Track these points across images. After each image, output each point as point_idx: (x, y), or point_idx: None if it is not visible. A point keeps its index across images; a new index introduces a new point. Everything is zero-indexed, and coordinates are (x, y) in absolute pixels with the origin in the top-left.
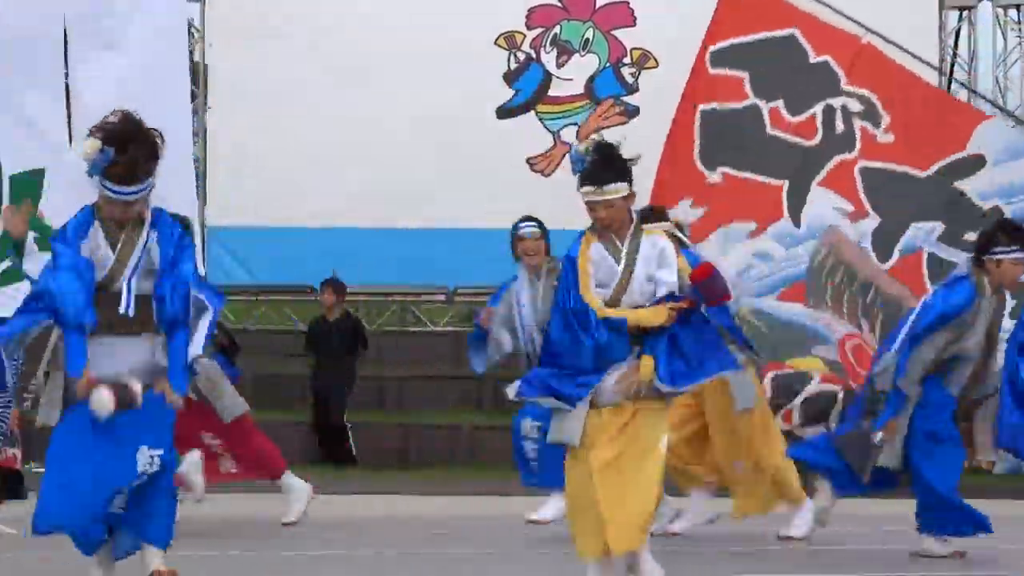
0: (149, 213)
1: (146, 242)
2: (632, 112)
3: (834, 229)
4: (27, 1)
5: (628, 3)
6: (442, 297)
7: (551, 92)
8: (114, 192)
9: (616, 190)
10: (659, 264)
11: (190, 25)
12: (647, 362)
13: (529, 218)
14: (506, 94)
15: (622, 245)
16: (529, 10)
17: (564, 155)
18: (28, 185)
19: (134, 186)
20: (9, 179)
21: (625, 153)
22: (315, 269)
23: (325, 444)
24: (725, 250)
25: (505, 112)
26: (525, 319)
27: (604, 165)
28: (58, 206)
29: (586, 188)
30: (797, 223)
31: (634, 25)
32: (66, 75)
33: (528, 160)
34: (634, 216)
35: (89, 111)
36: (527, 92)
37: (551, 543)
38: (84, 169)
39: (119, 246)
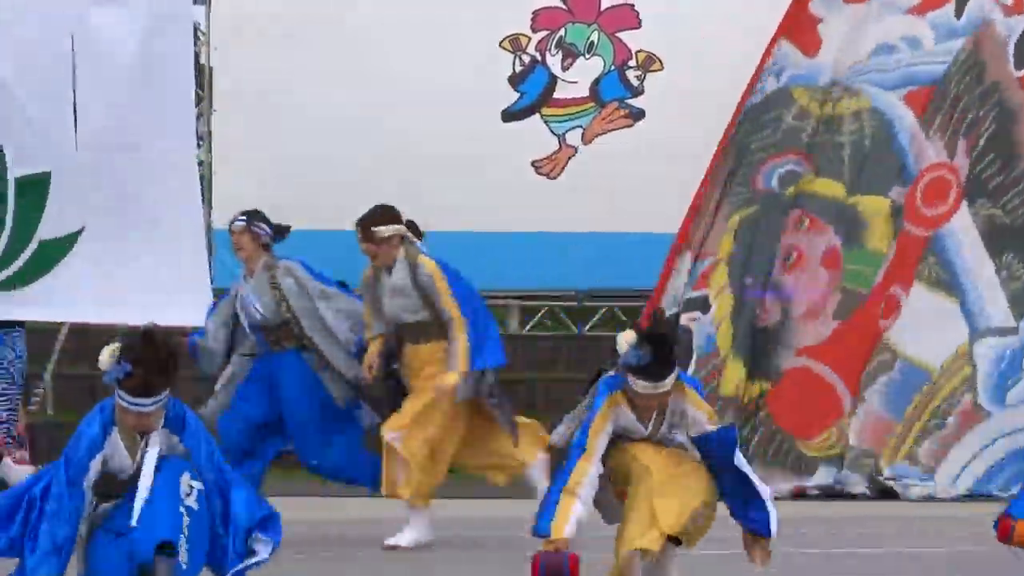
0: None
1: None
2: (637, 115)
3: (988, 24)
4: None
5: (633, 5)
6: None
7: (556, 95)
8: (128, 403)
9: (671, 380)
10: (688, 425)
11: (196, 28)
12: None
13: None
14: (511, 97)
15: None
16: (534, 13)
17: (569, 158)
18: (34, 186)
19: (149, 398)
20: (15, 181)
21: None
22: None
23: None
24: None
25: (510, 115)
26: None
27: (663, 362)
28: (62, 210)
29: (643, 383)
30: (959, 13)
31: (639, 27)
32: (73, 81)
33: (533, 163)
34: None
35: (91, 116)
36: (532, 95)
37: None
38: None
39: (138, 455)
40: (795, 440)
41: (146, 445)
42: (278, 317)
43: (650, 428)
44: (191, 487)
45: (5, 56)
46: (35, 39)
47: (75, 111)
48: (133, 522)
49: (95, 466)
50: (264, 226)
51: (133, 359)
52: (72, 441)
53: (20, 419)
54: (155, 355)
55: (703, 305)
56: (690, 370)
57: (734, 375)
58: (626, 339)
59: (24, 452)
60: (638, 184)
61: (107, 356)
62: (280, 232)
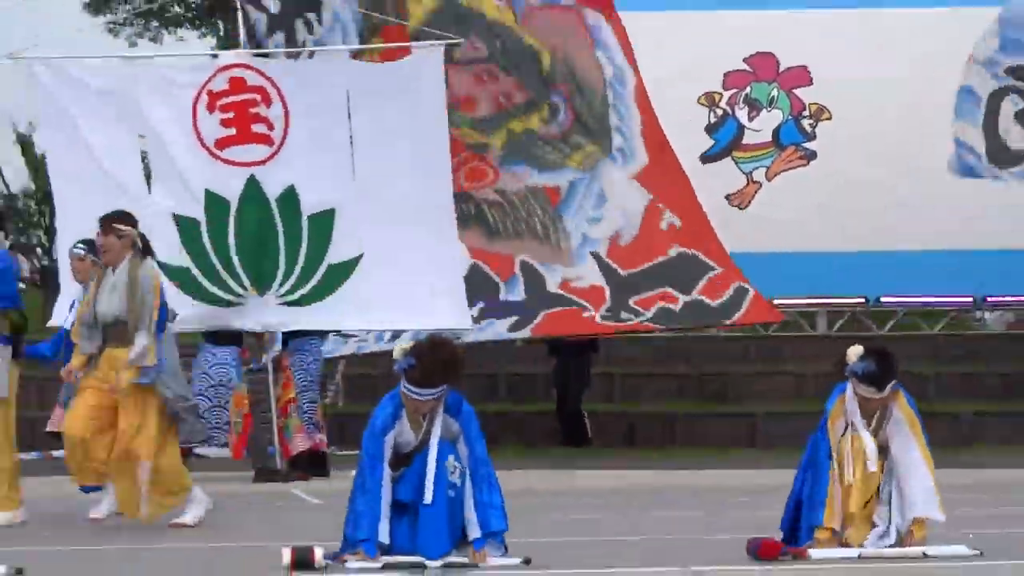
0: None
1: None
2: (811, 156)
3: None
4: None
5: (806, 67)
6: None
7: (744, 141)
8: (410, 391)
9: (889, 389)
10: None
11: None
12: None
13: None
14: (708, 143)
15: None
16: (724, 74)
17: (756, 192)
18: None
19: (428, 389)
20: (308, 218)
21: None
22: None
23: (565, 429)
24: None
25: (707, 158)
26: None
27: (886, 371)
28: (345, 240)
29: (866, 388)
30: None
31: (811, 85)
32: (350, 132)
33: (727, 196)
34: None
35: (365, 161)
36: (724, 141)
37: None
38: None
39: (420, 433)
40: None
41: (430, 424)
42: None
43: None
44: (455, 467)
45: (299, 120)
46: (318, 103)
47: (352, 158)
48: (428, 498)
49: (389, 442)
50: None
51: (417, 355)
52: (369, 424)
53: (319, 409)
54: (436, 355)
55: None
56: None
57: None
58: (855, 352)
59: (322, 435)
60: (814, 213)
61: (399, 350)
62: None
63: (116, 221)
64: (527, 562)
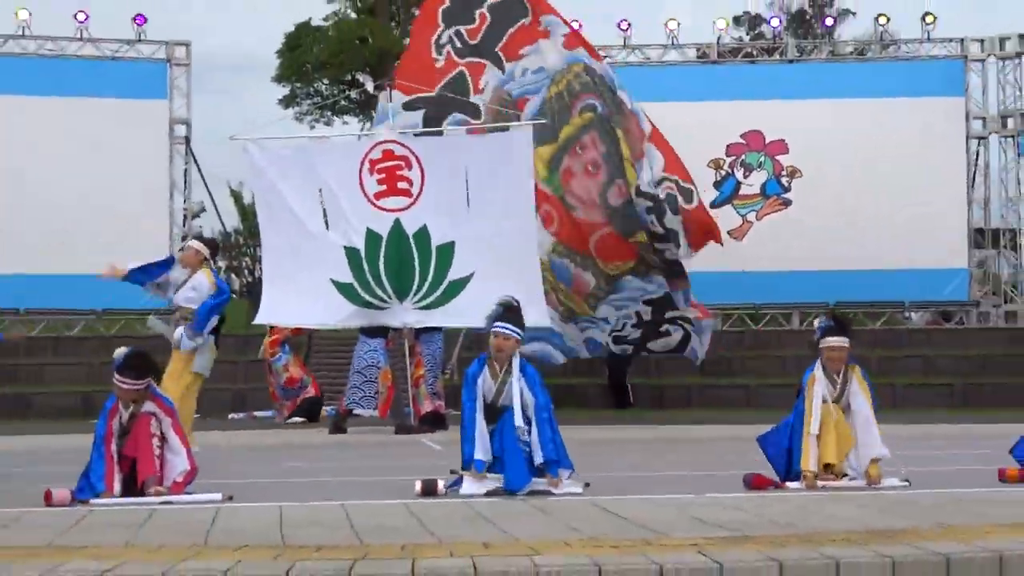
0: (516, 362)
1: (516, 381)
2: (787, 203)
3: None
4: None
5: (784, 140)
6: None
7: (740, 192)
8: (499, 328)
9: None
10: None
11: None
12: None
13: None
14: (714, 194)
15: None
16: (727, 146)
17: (749, 229)
18: (446, 250)
19: (511, 325)
20: (436, 248)
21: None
22: None
23: (614, 396)
24: None
25: (714, 205)
26: None
27: (841, 322)
28: (461, 263)
29: (831, 340)
30: None
31: (788, 152)
32: (466, 185)
33: (729, 232)
34: None
35: (478, 204)
36: (726, 193)
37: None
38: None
39: (497, 382)
40: None
41: (506, 375)
42: None
43: (836, 393)
44: (524, 429)
45: (431, 178)
46: (444, 166)
47: (467, 205)
48: (517, 421)
49: (479, 387)
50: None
51: (507, 306)
52: (464, 377)
53: (440, 382)
54: (515, 308)
55: None
56: None
57: None
58: (819, 319)
59: (442, 401)
60: (790, 243)
61: (495, 307)
62: None
63: None
64: (587, 485)
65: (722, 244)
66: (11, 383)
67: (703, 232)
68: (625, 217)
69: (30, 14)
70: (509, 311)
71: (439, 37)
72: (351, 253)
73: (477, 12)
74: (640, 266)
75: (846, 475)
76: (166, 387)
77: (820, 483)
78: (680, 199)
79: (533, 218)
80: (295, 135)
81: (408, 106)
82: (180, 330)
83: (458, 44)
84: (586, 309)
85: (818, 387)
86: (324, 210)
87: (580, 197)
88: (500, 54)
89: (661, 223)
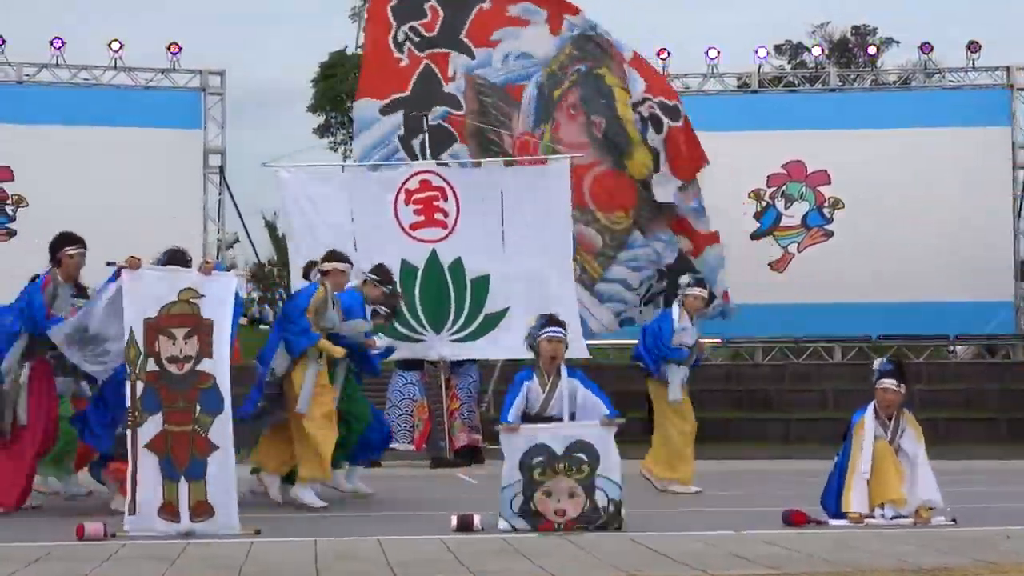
0: (564, 370)
1: (566, 387)
2: (830, 234)
3: None
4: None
5: (827, 170)
6: None
7: (782, 224)
8: (547, 332)
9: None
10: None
11: None
12: None
13: None
14: (755, 226)
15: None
16: (768, 176)
17: (790, 261)
18: (481, 283)
19: (558, 328)
20: (470, 281)
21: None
22: None
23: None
24: None
25: (755, 236)
26: None
27: (900, 368)
28: (497, 296)
29: (886, 382)
30: None
31: (830, 183)
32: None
33: (769, 264)
34: None
35: (512, 239)
36: (767, 224)
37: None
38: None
39: (545, 390)
40: None
41: (556, 382)
42: None
43: (889, 435)
44: None
45: (467, 210)
46: (480, 198)
47: (503, 238)
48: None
49: (523, 391)
50: None
51: (548, 318)
52: (511, 384)
53: (476, 415)
54: (558, 322)
55: None
56: None
57: None
58: (878, 360)
59: (478, 436)
60: (832, 275)
61: (532, 320)
62: None
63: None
64: (619, 514)
65: (708, 163)
66: None
67: (689, 154)
68: (612, 144)
69: (64, 43)
70: (550, 318)
71: (395, 35)
72: None
73: (427, 6)
74: (641, 217)
75: (899, 515)
76: None
77: (866, 520)
78: (666, 119)
79: (571, 254)
80: (329, 163)
81: (385, 111)
82: None
83: (415, 39)
84: (596, 268)
85: (868, 425)
86: (355, 240)
87: (570, 144)
88: (466, 40)
89: (644, 140)
